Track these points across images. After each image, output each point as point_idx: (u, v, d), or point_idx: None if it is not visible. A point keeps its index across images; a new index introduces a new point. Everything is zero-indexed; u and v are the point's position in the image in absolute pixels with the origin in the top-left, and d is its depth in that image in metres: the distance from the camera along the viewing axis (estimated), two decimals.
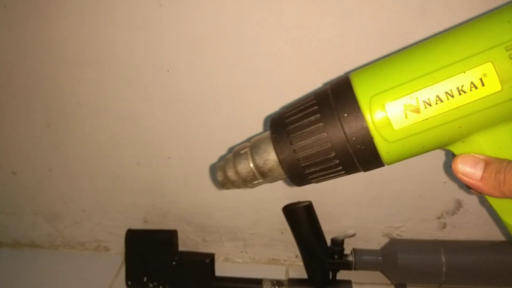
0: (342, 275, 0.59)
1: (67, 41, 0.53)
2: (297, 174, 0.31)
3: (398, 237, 0.64)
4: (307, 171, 0.30)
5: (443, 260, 0.55)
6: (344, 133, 0.28)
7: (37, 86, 0.58)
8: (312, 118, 0.29)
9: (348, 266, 0.58)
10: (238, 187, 0.34)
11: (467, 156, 0.28)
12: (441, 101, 0.26)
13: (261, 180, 0.33)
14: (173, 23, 0.49)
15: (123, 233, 0.66)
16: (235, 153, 0.33)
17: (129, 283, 0.64)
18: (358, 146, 0.28)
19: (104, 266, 0.70)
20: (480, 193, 0.29)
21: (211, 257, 0.63)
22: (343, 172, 0.30)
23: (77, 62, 0.54)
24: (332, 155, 0.29)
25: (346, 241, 0.58)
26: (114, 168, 0.64)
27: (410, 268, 0.56)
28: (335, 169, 0.30)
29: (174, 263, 0.63)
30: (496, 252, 0.56)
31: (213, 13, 0.48)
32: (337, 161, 0.29)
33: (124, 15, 0.50)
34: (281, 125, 0.31)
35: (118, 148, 0.61)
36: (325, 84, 0.33)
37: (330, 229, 0.61)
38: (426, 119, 0.26)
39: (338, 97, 0.29)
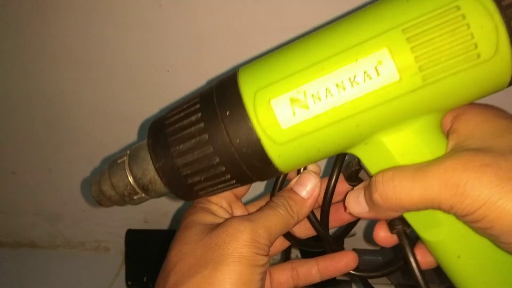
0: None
1: (67, 41, 0.53)
2: (179, 185, 0.27)
3: None
4: (190, 181, 0.26)
5: None
6: (228, 134, 0.24)
7: (37, 86, 0.57)
8: (193, 118, 0.25)
9: None
10: (117, 203, 0.29)
11: (349, 195, 0.26)
12: (332, 94, 0.22)
13: (142, 195, 0.28)
14: (173, 23, 0.49)
15: (123, 233, 0.66)
16: (111, 164, 0.28)
17: (129, 283, 0.64)
18: (244, 149, 0.24)
19: (104, 266, 0.70)
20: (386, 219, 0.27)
21: None
22: (234, 181, 0.26)
23: (77, 62, 0.54)
24: (216, 161, 0.25)
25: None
26: None
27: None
28: (223, 178, 0.26)
29: None
30: None
31: (213, 13, 0.48)
32: (223, 168, 0.25)
33: (124, 15, 0.50)
34: (160, 128, 0.26)
35: (118, 148, 0.61)
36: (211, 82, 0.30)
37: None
38: (317, 115, 0.23)
39: (221, 94, 0.25)
